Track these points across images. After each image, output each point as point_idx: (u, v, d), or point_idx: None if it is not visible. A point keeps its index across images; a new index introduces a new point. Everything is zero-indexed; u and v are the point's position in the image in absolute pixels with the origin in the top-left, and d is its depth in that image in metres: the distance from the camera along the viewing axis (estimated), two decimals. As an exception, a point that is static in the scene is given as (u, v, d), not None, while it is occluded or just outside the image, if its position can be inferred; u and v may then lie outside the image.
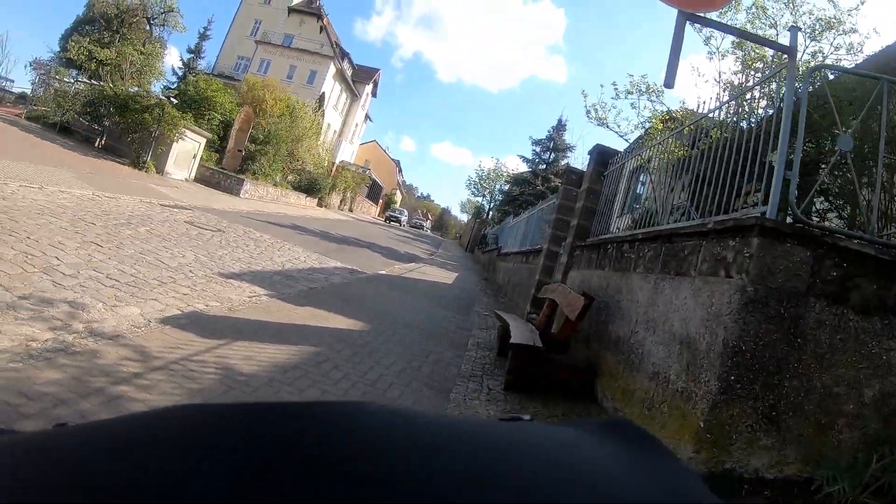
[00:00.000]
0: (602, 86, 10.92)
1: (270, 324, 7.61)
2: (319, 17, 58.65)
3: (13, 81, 45.64)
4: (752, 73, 8.98)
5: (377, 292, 12.93)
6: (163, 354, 5.45)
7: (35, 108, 29.18)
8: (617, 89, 10.35)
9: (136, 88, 27.75)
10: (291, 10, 59.03)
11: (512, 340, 6.86)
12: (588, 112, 10.60)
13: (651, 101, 10.11)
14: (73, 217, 10.44)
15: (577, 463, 0.79)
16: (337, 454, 0.62)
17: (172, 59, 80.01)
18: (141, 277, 7.86)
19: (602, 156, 10.54)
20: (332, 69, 57.72)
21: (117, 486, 0.57)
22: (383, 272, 16.79)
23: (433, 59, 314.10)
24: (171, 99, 28.98)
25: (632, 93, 10.14)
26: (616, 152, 10.35)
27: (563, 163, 49.98)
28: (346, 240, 23.41)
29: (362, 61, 73.29)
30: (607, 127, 10.48)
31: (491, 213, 60.59)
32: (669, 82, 5.01)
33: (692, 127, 6.78)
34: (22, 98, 35.82)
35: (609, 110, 10.49)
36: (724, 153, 5.69)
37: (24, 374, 4.18)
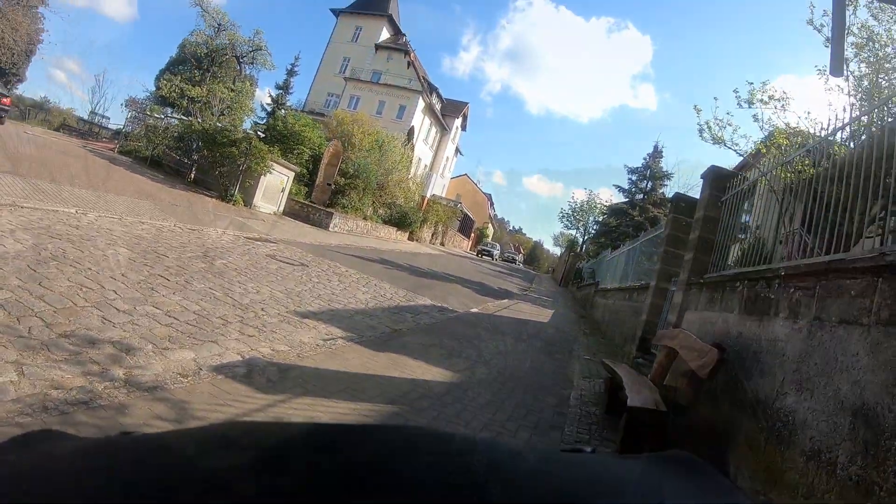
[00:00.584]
0: (716, 98, 9.72)
1: (343, 374, 6.71)
2: (406, 52, 59.19)
3: (109, 118, 47.70)
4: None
5: (468, 334, 11.94)
6: (204, 414, 4.61)
7: (128, 142, 30.00)
8: (739, 96, 9.09)
9: (224, 124, 28.19)
10: (378, 47, 59.90)
11: (630, 403, 5.67)
12: (701, 130, 9.37)
13: (776, 110, 8.81)
14: (146, 248, 9.98)
15: (635, 495, 0.83)
16: (393, 478, 0.70)
17: (262, 96, 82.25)
18: (205, 315, 7.16)
19: (719, 179, 9.29)
20: (420, 103, 57.92)
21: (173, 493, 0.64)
22: (475, 310, 15.82)
23: (521, 92, 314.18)
24: (259, 133, 29.33)
25: (752, 103, 8.88)
26: (735, 174, 9.09)
27: (660, 191, 48.30)
28: (436, 275, 22.69)
29: (451, 96, 73.51)
30: (724, 145, 9.20)
31: (585, 246, 59.02)
32: (836, 70, 3.98)
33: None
34: (117, 134, 37.22)
35: (725, 127, 9.23)
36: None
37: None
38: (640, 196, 49.21)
